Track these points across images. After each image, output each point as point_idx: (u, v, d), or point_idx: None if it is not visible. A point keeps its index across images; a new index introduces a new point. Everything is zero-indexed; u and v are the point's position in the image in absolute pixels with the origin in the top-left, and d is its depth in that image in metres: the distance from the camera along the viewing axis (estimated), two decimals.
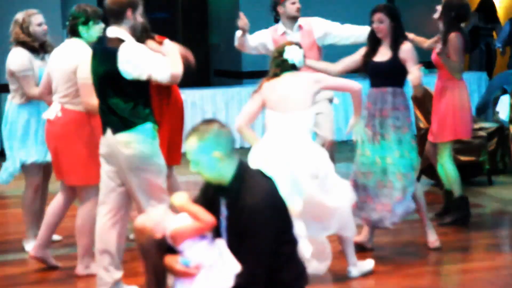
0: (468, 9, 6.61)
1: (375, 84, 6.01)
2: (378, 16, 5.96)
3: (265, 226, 3.61)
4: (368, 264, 5.59)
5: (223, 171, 3.69)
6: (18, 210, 6.65)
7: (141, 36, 5.58)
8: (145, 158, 4.98)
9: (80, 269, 5.73)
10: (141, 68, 4.90)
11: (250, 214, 3.59)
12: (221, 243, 3.69)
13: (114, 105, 4.97)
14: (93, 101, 5.38)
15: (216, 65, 13.27)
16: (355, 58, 6.14)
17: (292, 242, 3.77)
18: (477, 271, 5.65)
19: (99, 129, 5.62)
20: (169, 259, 3.62)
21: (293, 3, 6.82)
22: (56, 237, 6.55)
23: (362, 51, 6.12)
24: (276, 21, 7.01)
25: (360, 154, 6.00)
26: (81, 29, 5.66)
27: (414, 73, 5.71)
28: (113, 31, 5.01)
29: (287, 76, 5.39)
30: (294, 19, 6.87)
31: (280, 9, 6.86)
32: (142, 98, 4.97)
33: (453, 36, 6.46)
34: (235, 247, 3.68)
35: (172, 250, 3.70)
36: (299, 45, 5.53)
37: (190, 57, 5.44)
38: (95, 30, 5.69)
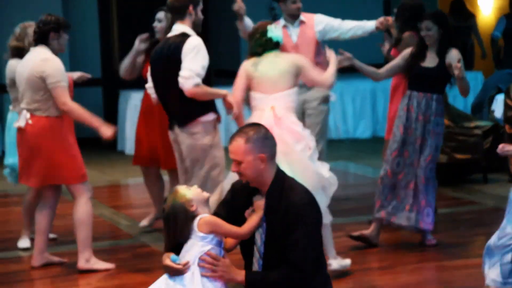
0: (422, 8, 6.67)
1: (419, 89, 6.07)
2: (425, 23, 6.01)
3: (312, 222, 3.70)
4: (347, 261, 5.57)
5: (265, 174, 3.74)
6: (21, 208, 6.72)
7: None
8: (205, 149, 5.19)
9: (81, 263, 5.80)
10: (185, 62, 5.13)
11: (298, 209, 3.66)
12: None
13: (179, 97, 5.19)
14: (69, 101, 5.54)
15: (216, 65, 13.34)
16: (399, 62, 6.19)
17: (321, 244, 3.85)
18: (473, 267, 5.70)
19: (71, 129, 5.71)
20: (164, 256, 3.69)
21: (294, 2, 6.92)
22: (51, 235, 6.67)
23: (405, 54, 6.16)
24: (274, 18, 7.11)
25: (397, 154, 6.09)
26: (52, 35, 5.67)
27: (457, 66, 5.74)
28: (178, 27, 5.31)
29: (270, 56, 5.44)
30: (294, 16, 6.96)
31: (282, 6, 6.97)
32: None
33: (407, 35, 6.55)
34: (273, 249, 3.72)
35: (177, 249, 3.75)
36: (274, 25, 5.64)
37: (229, 105, 5.44)
38: (64, 39, 5.72)
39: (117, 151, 11.24)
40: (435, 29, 6.00)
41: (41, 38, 5.68)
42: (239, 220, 3.76)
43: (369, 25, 6.94)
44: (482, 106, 9.87)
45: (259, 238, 3.77)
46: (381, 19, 6.85)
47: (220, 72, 13.18)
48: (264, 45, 5.45)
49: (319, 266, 3.77)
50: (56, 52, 5.70)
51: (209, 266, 3.62)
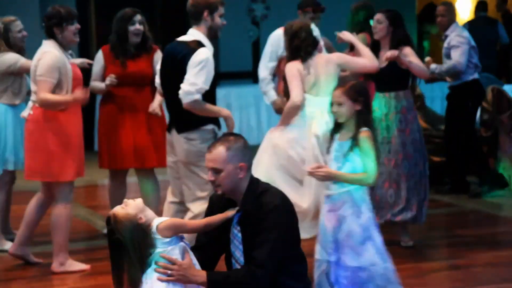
0: (372, 9, 6.77)
1: (379, 89, 6.11)
2: (377, 16, 6.03)
3: (281, 223, 3.68)
4: None
5: (242, 183, 3.74)
6: (16, 206, 6.71)
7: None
8: (200, 155, 5.14)
9: (55, 266, 5.77)
10: (189, 74, 5.07)
11: (268, 210, 3.66)
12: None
13: (181, 104, 5.11)
14: (48, 96, 5.50)
15: None
16: None
17: (300, 259, 3.83)
18: (449, 268, 5.76)
19: (70, 127, 5.64)
20: None
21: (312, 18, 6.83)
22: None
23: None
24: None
25: None
26: (56, 30, 5.66)
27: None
28: (191, 33, 5.25)
29: (316, 57, 5.43)
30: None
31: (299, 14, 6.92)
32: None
33: (360, 36, 6.56)
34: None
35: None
36: None
37: (230, 123, 5.29)
38: (69, 31, 5.68)
39: (94, 151, 11.17)
40: (385, 24, 5.99)
41: (48, 33, 5.70)
42: (217, 232, 3.76)
43: None
44: None
45: (236, 250, 3.78)
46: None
47: None
48: (312, 44, 5.44)
49: (286, 266, 3.74)
50: (65, 46, 5.69)
51: (163, 271, 3.54)
